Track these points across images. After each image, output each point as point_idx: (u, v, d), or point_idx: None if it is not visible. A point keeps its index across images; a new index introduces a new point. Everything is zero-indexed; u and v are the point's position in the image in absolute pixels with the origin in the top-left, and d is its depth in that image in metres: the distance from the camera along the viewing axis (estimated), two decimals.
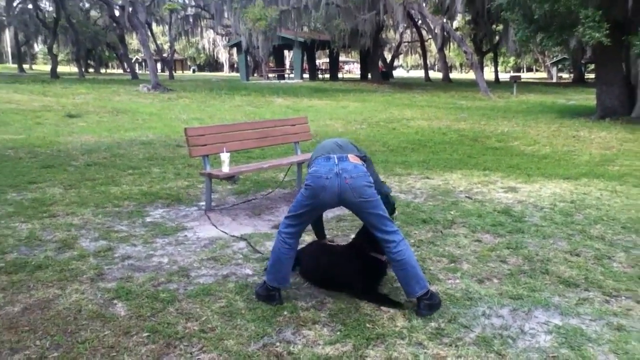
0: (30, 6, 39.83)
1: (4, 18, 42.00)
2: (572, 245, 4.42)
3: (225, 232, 4.79)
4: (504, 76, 46.76)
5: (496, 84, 36.15)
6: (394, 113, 16.21)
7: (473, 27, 38.01)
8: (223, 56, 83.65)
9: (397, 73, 65.69)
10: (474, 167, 8.04)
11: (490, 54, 42.86)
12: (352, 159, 3.27)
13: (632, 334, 2.95)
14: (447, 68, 44.23)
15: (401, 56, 73.58)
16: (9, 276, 3.71)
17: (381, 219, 3.24)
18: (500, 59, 56.04)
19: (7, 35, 60.28)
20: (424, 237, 4.66)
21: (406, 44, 57.41)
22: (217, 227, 4.94)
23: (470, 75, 48.12)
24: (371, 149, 9.95)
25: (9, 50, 76.76)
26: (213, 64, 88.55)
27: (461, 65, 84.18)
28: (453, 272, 3.84)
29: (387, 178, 7.25)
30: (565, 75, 57.37)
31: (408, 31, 48.70)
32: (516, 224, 5.03)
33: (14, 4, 40.52)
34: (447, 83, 37.99)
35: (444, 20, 30.30)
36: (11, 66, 63.01)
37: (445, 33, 29.94)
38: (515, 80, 27.75)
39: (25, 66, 55.79)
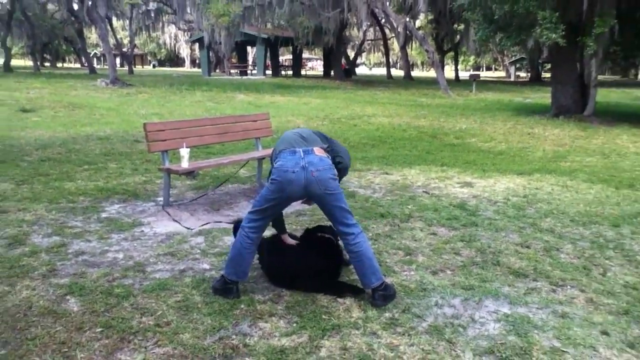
0: None
1: None
2: (523, 238, 4.56)
3: (188, 228, 4.75)
4: (464, 75, 47.61)
5: (456, 82, 36.76)
6: (356, 110, 16.32)
7: (435, 26, 38.56)
8: (184, 51, 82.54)
9: (360, 70, 66.07)
10: (432, 163, 8.18)
11: (451, 53, 43.58)
12: (318, 151, 3.32)
13: (574, 321, 3.08)
14: (408, 66, 44.77)
15: (364, 54, 74.10)
16: None
17: (342, 211, 3.34)
18: (461, 58, 57.00)
19: None
20: (381, 230, 4.73)
21: (369, 42, 57.84)
22: (178, 222, 4.90)
23: (432, 73, 48.84)
24: None
25: None
26: (174, 60, 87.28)
27: (422, 63, 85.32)
28: (408, 265, 3.92)
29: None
30: (523, 74, 58.83)
31: (371, 29, 49.03)
32: (470, 217, 5.16)
33: None
34: (409, 81, 38.43)
35: (407, 19, 30.63)
36: None
37: (407, 32, 30.27)
38: (474, 78, 28.33)
39: None
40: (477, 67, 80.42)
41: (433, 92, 25.21)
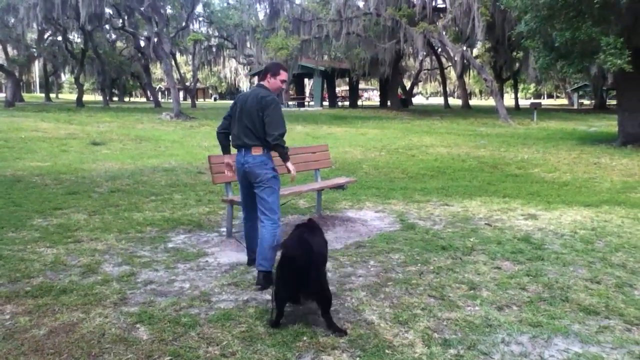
0: (59, 38, 41.10)
1: (34, 50, 43.32)
2: (593, 273, 4.39)
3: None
4: (524, 103, 46.61)
5: (516, 110, 36.06)
6: (413, 140, 16.27)
7: (493, 54, 38.13)
8: (244, 84, 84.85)
9: (417, 100, 65.92)
10: (494, 194, 8.02)
11: (511, 81, 42.86)
12: (254, 151, 4.27)
13: None
14: (466, 95, 44.34)
15: (420, 83, 73.93)
16: (34, 300, 3.81)
17: (263, 202, 4.26)
18: (521, 86, 55.97)
19: (37, 65, 62.04)
20: (443, 263, 4.67)
21: (426, 71, 57.72)
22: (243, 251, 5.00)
23: (490, 102, 48.14)
24: (390, 175, 10.00)
25: (37, 80, 78.99)
26: (234, 92, 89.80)
27: (481, 92, 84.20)
28: (472, 299, 3.84)
29: (406, 205, 7.28)
30: (586, 101, 56.97)
31: (428, 59, 48.99)
32: (536, 251, 5.02)
33: (45, 36, 41.88)
34: (467, 110, 38.00)
35: (464, 48, 30.51)
36: (38, 95, 64.73)
37: (465, 61, 30.11)
38: (535, 107, 27.66)
39: (52, 95, 57.26)
40: (538, 95, 78.63)
41: (492, 121, 24.81)
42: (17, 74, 40.45)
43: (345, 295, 3.92)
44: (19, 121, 19.76)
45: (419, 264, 4.64)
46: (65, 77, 74.22)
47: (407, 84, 53.59)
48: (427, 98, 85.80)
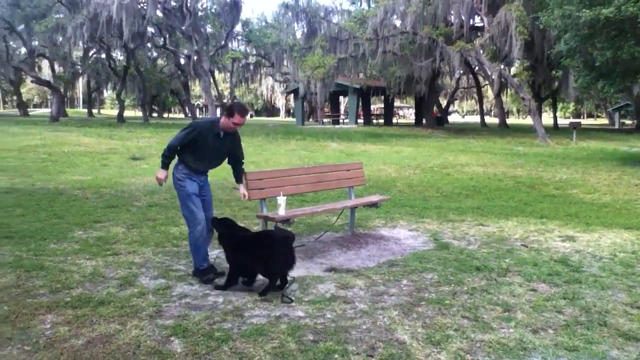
0: (103, 56, 42.49)
1: (79, 67, 44.87)
2: (633, 298, 4.27)
3: (292, 277, 4.81)
4: (563, 122, 45.74)
5: (555, 130, 35.40)
6: (449, 158, 16.14)
7: (531, 73, 37.63)
8: (280, 102, 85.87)
9: (452, 118, 65.43)
10: (530, 215, 7.89)
11: (549, 100, 42.15)
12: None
13: None
14: (503, 114, 43.75)
15: (456, 101, 73.39)
16: (74, 310, 3.92)
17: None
18: (560, 105, 54.99)
19: (81, 82, 64.20)
20: (477, 284, 4.62)
21: (462, 89, 57.34)
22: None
23: (528, 120, 47.40)
24: (424, 194, 9.94)
25: (81, 96, 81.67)
26: (270, 109, 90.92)
27: (518, 110, 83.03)
28: (507, 321, 3.78)
29: (441, 224, 7.23)
30: (628, 121, 55.49)
31: (464, 77, 48.69)
32: (573, 273, 4.91)
33: (90, 54, 43.39)
34: (504, 129, 37.49)
35: (502, 66, 30.22)
36: (81, 111, 66.85)
37: (502, 79, 29.76)
38: (574, 126, 27.10)
39: (94, 111, 59.02)
40: (578, 115, 77.04)
41: (530, 140, 24.42)
42: (62, 90, 41.93)
43: (377, 314, 3.91)
44: (62, 136, 20.42)
45: (453, 284, 4.60)
46: (107, 94, 76.45)
47: (443, 102, 53.31)
48: (463, 116, 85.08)
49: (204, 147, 4.74)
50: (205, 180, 4.98)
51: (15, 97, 56.97)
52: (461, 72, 40.17)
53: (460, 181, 11.58)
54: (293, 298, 4.23)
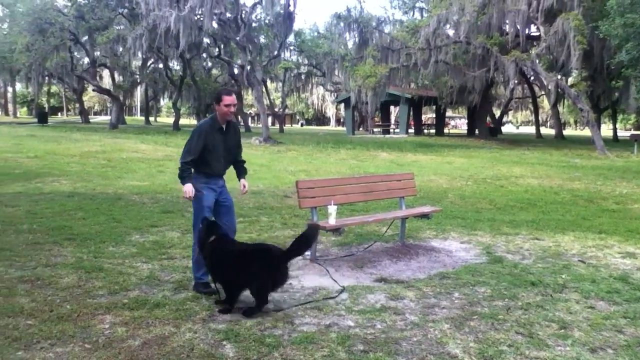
0: (161, 65, 43.93)
1: (137, 76, 46.51)
2: None
3: (342, 288, 4.81)
4: (623, 134, 44.03)
5: (614, 142, 34.15)
6: (502, 170, 15.80)
7: (590, 83, 36.41)
8: (330, 111, 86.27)
9: (506, 129, 63.97)
10: (588, 230, 7.63)
11: (608, 111, 40.68)
12: None
13: None
14: (560, 125, 42.56)
15: (511, 112, 71.81)
16: (131, 312, 4.05)
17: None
18: (620, 116, 52.94)
19: (139, 91, 66.48)
20: (532, 300, 4.50)
21: (516, 100, 56.07)
22: (333, 279, 5.07)
23: (586, 132, 45.88)
24: (477, 206, 9.77)
25: (139, 104, 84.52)
26: (320, 118, 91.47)
27: (576, 122, 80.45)
28: (563, 339, 3.67)
29: (494, 237, 7.09)
30: None
31: (519, 87, 47.59)
32: (635, 292, 4.71)
33: (148, 64, 44.93)
34: (560, 140, 36.46)
35: (559, 76, 29.38)
36: (139, 118, 69.12)
37: (559, 89, 28.92)
38: (636, 138, 26.03)
39: (151, 119, 60.89)
40: (639, 126, 73.91)
41: (588, 152, 23.64)
42: (121, 98, 43.50)
43: (429, 327, 3.87)
44: (121, 142, 21.17)
45: (506, 299, 4.49)
46: (164, 102, 78.77)
47: (497, 112, 52.27)
48: (517, 127, 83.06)
49: (214, 145, 4.73)
50: (223, 185, 4.93)
51: (77, 105, 59.43)
52: (516, 82, 39.28)
53: (515, 193, 11.32)
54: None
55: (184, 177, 4.70)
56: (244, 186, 5.11)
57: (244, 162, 5.19)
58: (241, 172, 5.14)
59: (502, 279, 5.04)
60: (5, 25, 39.07)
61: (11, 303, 4.12)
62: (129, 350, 3.39)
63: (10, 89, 65.89)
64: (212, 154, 4.72)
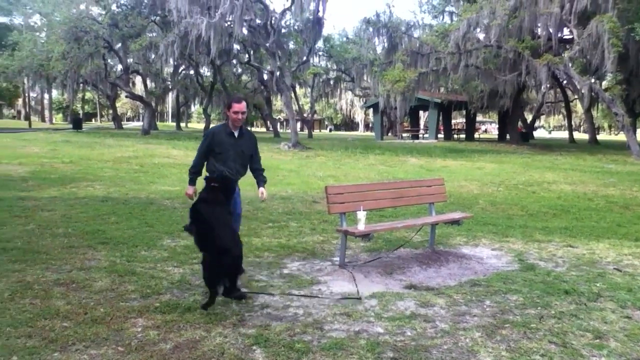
0: (192, 72, 44.54)
1: (169, 83, 47.26)
2: None
3: (357, 297, 4.86)
4: None
5: None
6: (534, 176, 15.54)
7: (625, 87, 35.59)
8: (359, 116, 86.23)
9: (538, 134, 62.89)
10: (624, 237, 7.45)
11: None
12: None
13: None
14: (594, 129, 41.63)
15: (543, 116, 70.63)
16: (162, 315, 4.11)
17: None
18: None
19: (170, 97, 67.57)
20: (565, 309, 4.41)
21: (549, 104, 55.09)
22: (355, 286, 5.05)
23: (621, 137, 44.78)
24: (508, 212, 9.63)
25: (170, 110, 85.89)
26: (349, 124, 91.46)
27: (610, 126, 78.68)
28: (598, 349, 3.59)
29: (526, 244, 6.97)
30: None
31: (551, 91, 46.73)
32: None
33: (179, 70, 45.62)
34: (594, 145, 35.65)
35: (592, 80, 28.77)
36: (170, 124, 70.23)
37: (593, 93, 28.32)
38: None
39: (182, 124, 61.81)
40: None
41: (623, 158, 23.06)
42: (153, 104, 44.24)
43: (459, 335, 3.83)
44: (152, 148, 21.52)
45: (539, 308, 4.41)
46: (195, 108, 79.84)
47: (528, 117, 51.46)
48: (549, 132, 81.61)
49: (223, 150, 4.91)
50: (235, 192, 5.06)
51: (111, 111, 60.70)
52: (548, 86, 38.61)
53: (547, 200, 11.12)
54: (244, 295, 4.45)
55: (190, 179, 5.11)
56: (262, 193, 5.25)
57: (263, 170, 5.36)
58: (260, 180, 5.30)
59: (534, 287, 4.96)
60: (43, 34, 40.11)
61: (47, 305, 4.23)
62: (160, 354, 3.44)
63: (46, 96, 67.80)
64: (221, 155, 4.91)
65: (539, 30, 27.38)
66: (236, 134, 4.96)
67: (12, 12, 50.56)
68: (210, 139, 4.93)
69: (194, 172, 5.07)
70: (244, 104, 4.93)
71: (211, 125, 43.29)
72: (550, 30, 26.29)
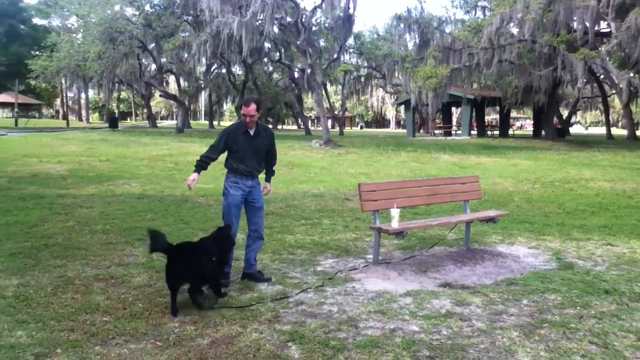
0: (224, 71, 45.01)
1: (202, 82, 47.85)
2: None
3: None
4: None
5: None
6: (571, 172, 15.20)
7: None
8: (390, 113, 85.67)
9: (574, 130, 61.50)
10: None
11: None
12: None
13: None
14: (633, 125, 40.48)
15: (579, 112, 69.03)
16: (199, 311, 4.17)
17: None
18: None
19: (203, 96, 68.38)
20: (606, 309, 4.30)
21: (585, 99, 53.80)
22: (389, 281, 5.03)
23: None
24: (545, 210, 9.45)
25: (203, 108, 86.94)
26: (380, 121, 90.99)
27: None
28: None
29: (563, 242, 6.84)
30: None
31: (588, 86, 45.61)
32: None
33: (212, 69, 46.14)
34: (633, 141, 34.68)
35: (631, 74, 27.95)
36: (203, 122, 71.07)
37: (632, 88, 27.53)
38: None
39: (215, 122, 62.46)
40: None
41: None
42: (186, 103, 44.84)
43: (496, 334, 3.78)
44: (186, 146, 21.81)
45: (579, 307, 4.32)
46: (227, 106, 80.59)
47: (564, 112, 50.40)
48: (586, 128, 79.76)
49: (239, 147, 4.98)
50: (253, 185, 5.09)
51: (145, 110, 61.78)
52: (584, 81, 37.70)
53: (585, 197, 10.87)
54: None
55: (196, 167, 5.03)
56: (265, 188, 5.35)
57: (274, 165, 5.45)
58: (269, 175, 5.43)
59: (573, 286, 4.85)
60: (80, 36, 41.03)
61: (88, 300, 4.34)
62: (198, 349, 3.49)
63: (83, 96, 69.40)
64: (237, 154, 4.99)
65: (575, 24, 26.73)
66: (251, 132, 5.00)
67: (50, 14, 51.99)
68: (225, 138, 5.01)
69: (203, 162, 5.02)
70: (252, 106, 4.92)
71: None
72: (587, 23, 25.65)
